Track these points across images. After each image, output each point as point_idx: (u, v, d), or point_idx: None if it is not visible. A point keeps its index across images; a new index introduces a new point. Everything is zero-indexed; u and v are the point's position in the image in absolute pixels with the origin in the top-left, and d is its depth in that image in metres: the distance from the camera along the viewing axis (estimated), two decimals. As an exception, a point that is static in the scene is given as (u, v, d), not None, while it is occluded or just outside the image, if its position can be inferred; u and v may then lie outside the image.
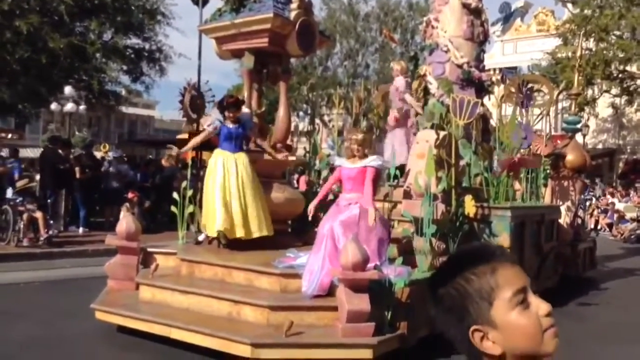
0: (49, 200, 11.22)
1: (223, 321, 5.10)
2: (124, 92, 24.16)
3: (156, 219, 12.84)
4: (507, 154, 7.59)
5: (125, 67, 21.54)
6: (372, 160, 5.73)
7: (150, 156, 23.66)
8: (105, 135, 44.96)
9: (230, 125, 6.47)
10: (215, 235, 6.35)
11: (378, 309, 4.91)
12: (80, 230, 11.93)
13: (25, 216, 10.06)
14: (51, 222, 10.70)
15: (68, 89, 17.70)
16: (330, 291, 5.16)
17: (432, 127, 7.29)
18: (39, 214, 10.15)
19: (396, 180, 6.72)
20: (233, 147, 6.47)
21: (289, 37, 6.83)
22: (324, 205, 6.61)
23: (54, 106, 18.37)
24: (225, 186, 6.26)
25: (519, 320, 1.10)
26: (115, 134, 45.84)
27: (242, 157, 6.47)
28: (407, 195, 6.42)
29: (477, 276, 1.13)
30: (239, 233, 6.24)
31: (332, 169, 8.46)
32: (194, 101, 6.97)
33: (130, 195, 11.66)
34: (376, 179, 5.82)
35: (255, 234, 6.31)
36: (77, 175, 11.95)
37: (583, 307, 7.85)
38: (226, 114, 6.50)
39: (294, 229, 7.70)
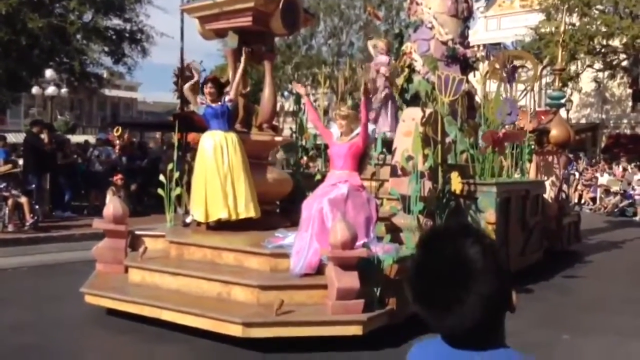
0: (33, 185, 11.11)
1: (213, 302, 5.12)
2: (105, 74, 23.83)
3: (143, 202, 12.78)
4: (492, 129, 7.64)
5: (106, 49, 21.20)
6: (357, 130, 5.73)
7: (135, 139, 23.41)
8: (87, 119, 44.54)
9: (213, 105, 6.42)
10: (204, 221, 6.34)
11: (367, 286, 4.97)
12: (66, 214, 11.86)
13: (10, 202, 9.96)
14: (36, 207, 10.61)
15: (49, 72, 17.43)
16: (320, 269, 5.20)
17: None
18: (23, 199, 10.07)
19: (382, 156, 6.74)
20: (222, 126, 6.41)
21: (273, 15, 6.76)
22: (313, 184, 6.63)
23: (35, 90, 18.10)
24: (218, 170, 6.23)
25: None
26: (98, 117, 45.40)
27: (231, 136, 6.42)
28: (394, 173, 6.45)
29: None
30: (229, 215, 6.23)
31: (317, 147, 8.48)
32: (188, 81, 6.86)
33: (115, 178, 11.57)
34: (365, 140, 5.79)
35: (242, 215, 6.31)
36: (59, 161, 11.84)
37: (569, 280, 8.00)
38: (204, 89, 6.46)
39: (282, 209, 7.72)
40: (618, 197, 18.16)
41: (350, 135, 5.71)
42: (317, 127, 6.41)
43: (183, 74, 6.88)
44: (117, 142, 13.45)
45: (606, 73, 25.98)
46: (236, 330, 4.69)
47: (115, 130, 13.95)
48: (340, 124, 5.74)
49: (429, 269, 1.20)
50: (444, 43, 8.86)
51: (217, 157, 6.25)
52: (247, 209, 6.32)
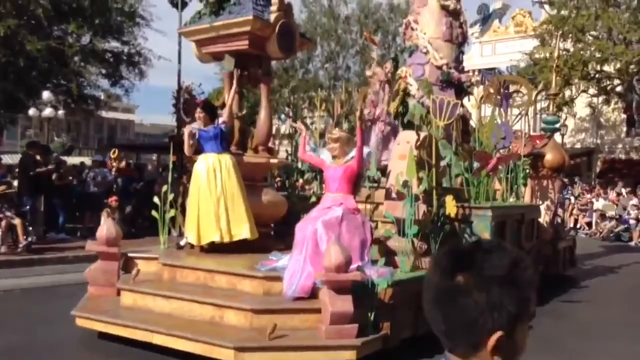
0: (27, 207, 11.06)
1: (206, 325, 5.07)
2: (103, 96, 23.93)
3: (137, 224, 12.72)
4: (482, 150, 7.67)
5: (104, 71, 21.35)
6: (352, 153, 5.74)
7: (131, 161, 23.42)
8: (84, 141, 44.50)
9: (205, 128, 6.45)
10: (197, 244, 6.32)
11: (361, 310, 4.92)
12: (60, 236, 11.78)
13: (3, 223, 9.91)
14: (30, 228, 10.55)
15: (46, 94, 17.48)
16: (313, 293, 5.15)
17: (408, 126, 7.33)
18: (17, 221, 10.01)
19: (376, 183, 6.74)
20: (216, 148, 6.43)
21: (269, 39, 6.83)
22: (308, 206, 6.62)
23: (32, 111, 18.15)
24: (210, 192, 6.23)
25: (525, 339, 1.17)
26: (95, 138, 45.38)
27: (226, 158, 6.43)
28: (389, 196, 6.44)
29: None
30: (222, 237, 6.21)
31: (312, 169, 8.48)
32: (188, 104, 6.91)
33: (110, 200, 11.55)
34: (360, 164, 5.79)
35: (236, 237, 6.29)
36: (56, 182, 11.81)
37: (563, 305, 7.95)
38: (196, 115, 6.49)
39: (276, 232, 7.69)
40: (614, 222, 18.17)
41: (344, 157, 5.72)
42: (310, 161, 6.44)
43: (179, 96, 6.91)
44: (114, 164, 13.44)
45: (601, 98, 26.20)
46: (228, 355, 4.63)
47: (112, 152, 13.95)
48: (332, 147, 5.75)
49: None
50: (439, 67, 8.94)
51: (209, 180, 6.25)
52: (241, 231, 6.30)
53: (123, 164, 13.96)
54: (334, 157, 5.78)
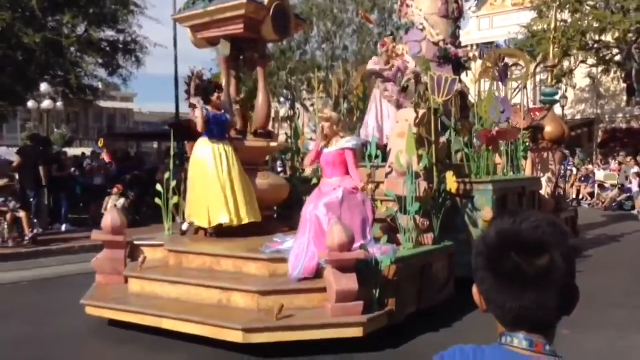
0: (31, 200, 11.12)
1: (213, 309, 5.14)
2: (101, 86, 23.85)
3: (141, 212, 12.80)
4: (486, 128, 7.68)
5: (101, 61, 21.25)
6: (348, 142, 5.76)
7: (131, 149, 23.45)
8: (84, 131, 44.53)
9: (215, 112, 6.47)
10: (207, 226, 6.36)
11: (366, 288, 4.99)
12: (63, 227, 11.87)
13: (8, 216, 9.98)
14: (35, 220, 10.62)
15: (44, 86, 17.46)
16: (318, 273, 5.22)
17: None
18: (22, 214, 10.08)
19: (377, 160, 6.76)
20: (220, 134, 6.48)
21: (264, 22, 6.80)
22: (309, 188, 6.66)
23: (30, 104, 18.13)
24: (218, 175, 6.27)
25: None
26: (95, 128, 45.36)
27: (228, 145, 6.50)
28: (390, 175, 6.48)
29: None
30: (231, 220, 6.27)
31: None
32: (199, 90, 6.88)
33: (115, 190, 11.61)
34: (355, 158, 5.84)
35: (244, 220, 6.35)
36: (54, 173, 11.86)
37: (567, 275, 8.00)
38: (212, 98, 6.46)
39: (279, 215, 7.74)
40: (616, 191, 18.19)
41: (336, 139, 5.74)
42: (313, 163, 6.38)
43: (191, 82, 6.85)
44: (104, 152, 13.51)
45: (600, 68, 26.08)
46: (237, 337, 4.70)
47: (99, 142, 14.02)
48: (323, 127, 5.75)
49: (518, 237, 1.14)
50: (436, 44, 8.91)
51: (217, 164, 6.29)
52: (248, 214, 6.36)
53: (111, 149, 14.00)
54: (325, 137, 5.77)
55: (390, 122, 7.92)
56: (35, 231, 10.19)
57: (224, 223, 6.28)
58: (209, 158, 6.32)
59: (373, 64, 8.35)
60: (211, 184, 6.27)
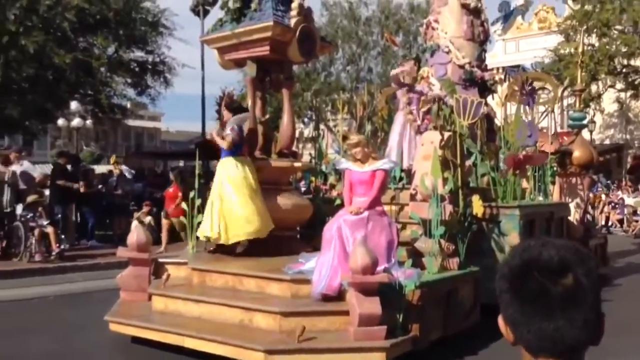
0: (59, 215, 11.30)
1: (235, 329, 5.13)
2: (129, 105, 24.32)
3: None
4: (513, 152, 7.59)
5: (130, 80, 21.71)
6: (384, 164, 5.75)
7: (157, 168, 23.78)
8: (112, 149, 45.19)
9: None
10: (241, 239, 6.40)
11: (389, 312, 4.92)
12: (89, 243, 12.01)
13: (36, 232, 10.14)
14: (62, 236, 10.77)
15: (74, 104, 17.87)
16: (341, 295, 5.17)
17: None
18: (50, 229, 10.24)
19: (401, 183, 6.72)
20: (241, 151, 6.58)
21: (290, 44, 6.88)
22: (333, 209, 6.64)
23: (61, 122, 18.55)
24: (247, 193, 6.34)
25: None
26: (123, 147, 46.08)
27: (248, 161, 6.60)
28: (414, 197, 6.43)
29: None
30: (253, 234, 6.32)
31: (337, 172, 8.47)
32: (229, 109, 6.99)
33: (145, 208, 11.79)
34: (385, 181, 5.82)
35: (261, 234, 6.37)
36: (82, 190, 12.04)
37: (596, 304, 7.81)
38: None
39: (302, 235, 7.73)
40: (645, 218, 17.79)
41: (369, 161, 5.71)
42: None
43: (222, 102, 6.99)
44: (115, 170, 13.80)
45: (629, 93, 25.71)
46: (258, 358, 4.67)
47: (111, 160, 14.32)
48: (356, 152, 5.72)
49: (540, 258, 1.12)
50: (461, 66, 8.89)
51: (245, 180, 6.39)
52: (266, 227, 6.42)
53: (123, 167, 14.28)
54: (357, 161, 5.77)
55: (414, 144, 7.91)
56: (62, 247, 10.33)
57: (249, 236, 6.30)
58: (238, 174, 6.39)
59: (400, 71, 8.23)
60: (241, 199, 6.32)
